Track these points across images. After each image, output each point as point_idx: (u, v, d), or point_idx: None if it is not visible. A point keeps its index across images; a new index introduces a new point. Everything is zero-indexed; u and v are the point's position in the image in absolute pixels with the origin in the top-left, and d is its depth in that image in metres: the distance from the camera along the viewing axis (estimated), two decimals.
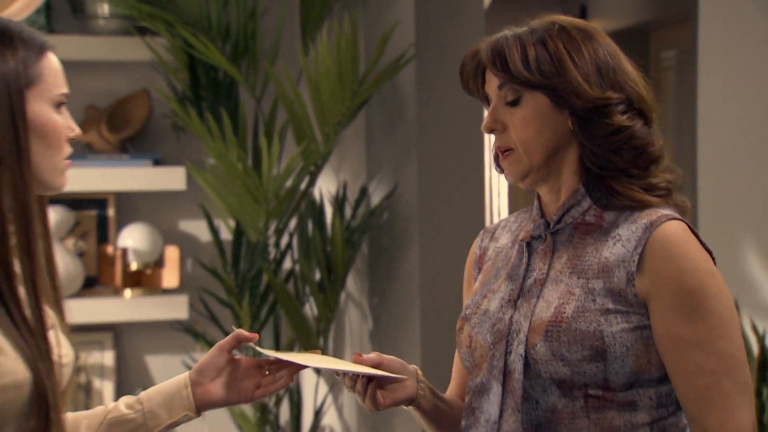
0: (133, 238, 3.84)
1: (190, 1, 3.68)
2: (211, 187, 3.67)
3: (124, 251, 3.82)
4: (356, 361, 1.88)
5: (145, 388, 4.03)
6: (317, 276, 3.84)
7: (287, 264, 3.96)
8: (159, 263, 3.90)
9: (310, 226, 3.88)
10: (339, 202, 3.90)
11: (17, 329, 1.66)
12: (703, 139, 4.08)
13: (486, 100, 1.91)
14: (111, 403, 1.91)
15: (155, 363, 3.99)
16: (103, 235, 3.93)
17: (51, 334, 1.69)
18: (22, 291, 1.68)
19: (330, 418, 4.07)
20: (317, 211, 3.88)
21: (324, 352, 3.78)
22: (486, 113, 1.90)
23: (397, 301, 3.88)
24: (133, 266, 3.85)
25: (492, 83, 1.87)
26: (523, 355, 1.81)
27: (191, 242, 4.03)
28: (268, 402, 3.79)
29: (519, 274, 1.88)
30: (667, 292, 1.78)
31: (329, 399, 4.03)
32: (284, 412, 3.95)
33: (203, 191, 3.84)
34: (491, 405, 1.83)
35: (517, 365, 1.81)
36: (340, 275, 3.78)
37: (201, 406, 1.88)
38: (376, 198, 3.96)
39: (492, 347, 1.84)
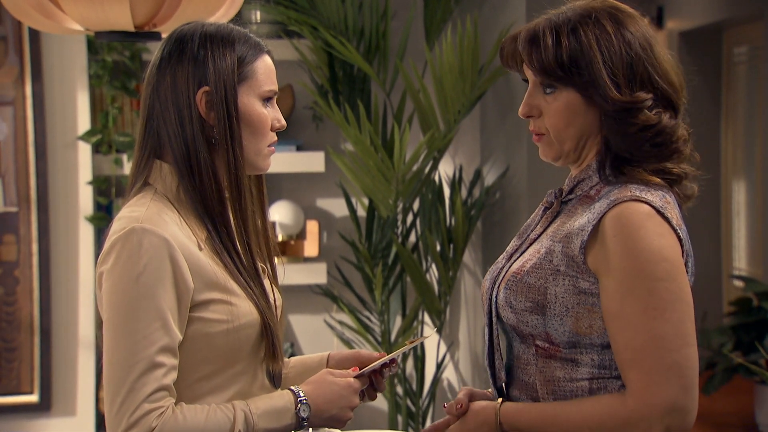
0: (279, 214, 4.34)
1: (330, 6, 4.19)
2: (348, 169, 4.16)
3: (272, 224, 4.35)
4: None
5: (291, 343, 4.54)
6: (438, 248, 4.34)
7: (412, 238, 4.46)
8: (301, 235, 4.40)
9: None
10: (456, 183, 4.40)
11: (241, 277, 1.90)
12: None
13: (524, 77, 1.95)
14: None
15: (298, 321, 4.49)
16: None
17: (266, 283, 1.96)
18: (240, 247, 1.92)
19: (448, 372, 4.56)
20: (437, 191, 4.38)
21: (443, 313, 4.29)
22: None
23: None
24: (279, 237, 4.37)
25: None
26: (495, 300, 1.95)
27: (327, 217, 4.52)
28: (397, 357, 4.28)
29: (526, 233, 2.00)
30: (612, 269, 1.81)
31: (447, 355, 4.54)
32: (408, 367, 4.45)
33: (339, 173, 4.35)
34: (485, 343, 1.99)
35: (492, 309, 1.95)
36: (460, 246, 4.26)
37: None
38: (489, 179, 4.42)
39: (486, 292, 1.99)
